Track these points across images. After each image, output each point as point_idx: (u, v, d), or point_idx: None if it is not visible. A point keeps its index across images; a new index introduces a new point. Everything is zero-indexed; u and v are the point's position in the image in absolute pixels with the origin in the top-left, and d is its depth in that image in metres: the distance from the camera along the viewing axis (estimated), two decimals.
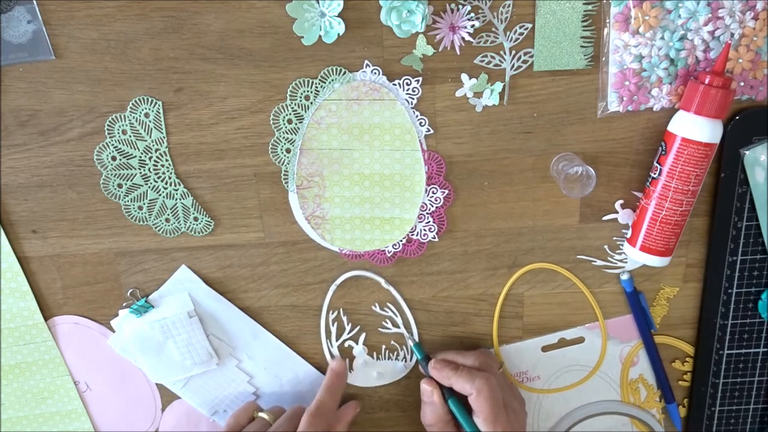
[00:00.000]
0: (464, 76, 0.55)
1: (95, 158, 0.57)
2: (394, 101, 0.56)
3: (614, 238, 0.61)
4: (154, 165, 0.58)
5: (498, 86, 0.55)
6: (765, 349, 0.63)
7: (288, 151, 0.57)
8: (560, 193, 0.58)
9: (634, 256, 0.58)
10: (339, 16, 0.52)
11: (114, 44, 0.54)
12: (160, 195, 0.59)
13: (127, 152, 0.57)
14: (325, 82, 0.55)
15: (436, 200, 0.59)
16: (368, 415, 0.69)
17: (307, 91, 0.55)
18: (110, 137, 0.57)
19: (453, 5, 0.52)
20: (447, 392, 0.59)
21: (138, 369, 0.65)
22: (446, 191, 0.59)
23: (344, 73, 0.55)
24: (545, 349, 0.65)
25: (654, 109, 0.55)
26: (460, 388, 0.58)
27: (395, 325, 0.64)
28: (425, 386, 0.60)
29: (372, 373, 0.66)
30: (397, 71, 0.55)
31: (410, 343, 0.63)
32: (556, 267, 0.62)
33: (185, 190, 0.59)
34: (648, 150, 0.57)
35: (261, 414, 0.61)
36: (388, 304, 0.64)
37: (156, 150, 0.57)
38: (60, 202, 0.59)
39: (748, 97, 0.55)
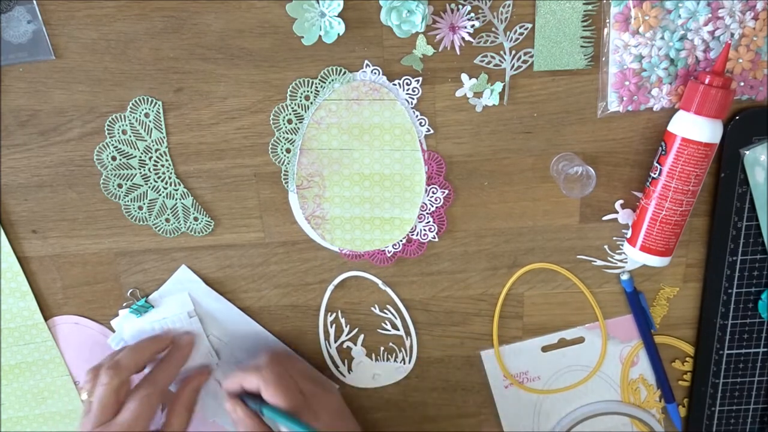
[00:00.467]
0: (464, 76, 0.55)
1: (95, 158, 0.57)
2: (394, 101, 0.56)
3: (614, 238, 0.61)
4: (154, 165, 0.58)
5: (498, 86, 0.55)
6: (765, 349, 0.63)
7: (288, 151, 0.57)
8: (560, 193, 0.58)
9: (634, 256, 0.58)
10: (339, 16, 0.52)
11: (114, 44, 0.54)
12: (160, 195, 0.59)
13: (127, 152, 0.57)
14: (325, 82, 0.55)
15: (436, 200, 0.59)
16: (368, 415, 0.69)
17: (307, 91, 0.55)
18: (110, 137, 0.57)
19: (453, 5, 0.52)
20: (258, 403, 0.56)
21: None
22: (446, 191, 0.59)
23: (344, 73, 0.55)
24: (545, 349, 0.65)
25: (654, 109, 0.55)
26: (249, 385, 0.56)
27: (394, 327, 0.64)
28: (226, 406, 0.58)
29: (370, 374, 0.66)
30: (397, 71, 0.55)
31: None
32: (556, 267, 0.62)
33: (185, 190, 0.59)
34: (648, 150, 0.57)
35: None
36: (388, 306, 0.64)
37: (156, 150, 0.57)
38: (60, 202, 0.59)
39: (748, 97, 0.55)
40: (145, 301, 0.62)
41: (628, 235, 0.59)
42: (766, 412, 0.66)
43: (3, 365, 0.65)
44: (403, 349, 0.65)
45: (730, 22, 0.52)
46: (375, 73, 0.55)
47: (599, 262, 0.62)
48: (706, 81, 0.52)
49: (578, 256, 0.62)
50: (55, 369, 0.65)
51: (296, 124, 0.57)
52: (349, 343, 0.65)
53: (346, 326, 0.64)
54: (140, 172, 0.58)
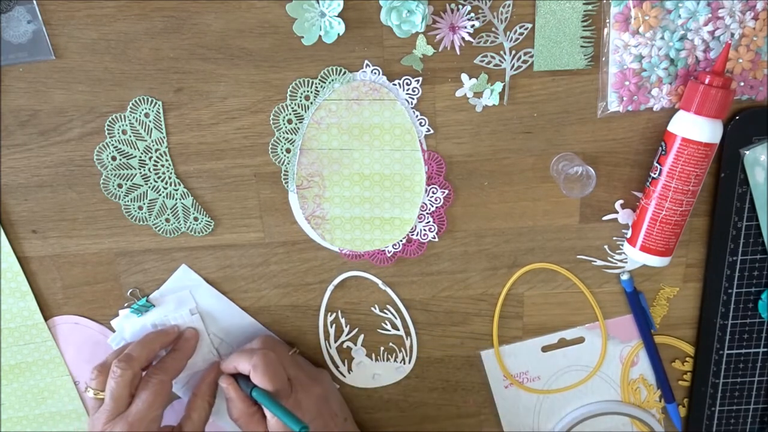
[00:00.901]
0: (464, 76, 0.55)
1: (95, 158, 0.57)
2: (394, 101, 0.56)
3: (614, 238, 0.61)
4: (154, 165, 0.58)
5: (498, 86, 0.55)
6: (765, 349, 0.63)
7: (288, 151, 0.57)
8: (560, 193, 0.58)
9: (634, 256, 0.58)
10: (339, 16, 0.52)
11: (114, 44, 0.54)
12: (160, 195, 0.59)
13: (127, 152, 0.57)
14: (325, 82, 0.55)
15: (436, 200, 0.59)
16: (368, 415, 0.69)
17: (307, 91, 0.55)
18: (110, 137, 0.57)
19: (453, 5, 0.52)
20: (247, 384, 0.58)
21: None
22: (446, 191, 0.59)
23: (344, 73, 0.55)
24: (545, 349, 0.65)
25: (654, 109, 0.55)
26: (242, 368, 0.58)
27: (394, 327, 0.64)
28: (221, 383, 0.59)
29: (370, 374, 0.66)
30: (397, 71, 0.55)
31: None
32: (556, 267, 0.62)
33: (185, 190, 0.59)
34: (648, 150, 0.57)
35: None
36: (388, 306, 0.64)
37: (156, 150, 0.57)
38: (60, 202, 0.59)
39: (748, 97, 0.55)
40: (146, 301, 0.62)
41: (628, 235, 0.59)
42: (766, 412, 0.66)
43: (3, 365, 0.65)
44: (403, 349, 0.65)
45: (730, 22, 0.52)
46: (375, 73, 0.55)
47: (599, 262, 0.62)
48: (706, 81, 0.52)
49: (578, 256, 0.62)
50: (55, 369, 0.65)
51: (296, 124, 0.57)
52: (349, 343, 0.65)
53: (346, 326, 0.64)
54: (140, 172, 0.58)
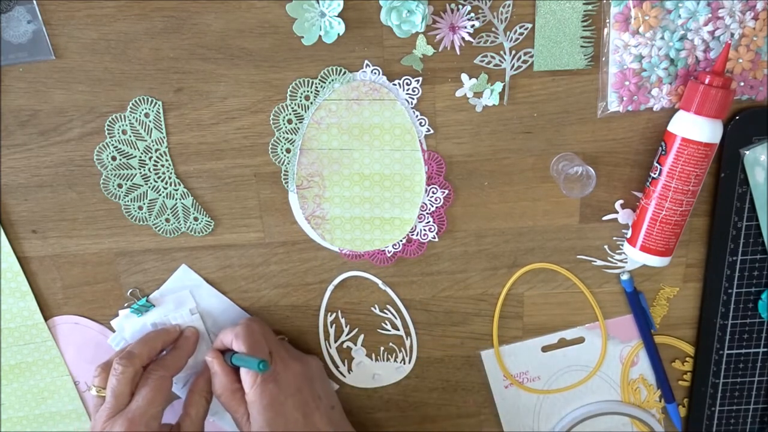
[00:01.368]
0: (464, 76, 0.55)
1: (95, 158, 0.57)
2: (394, 101, 0.56)
3: (614, 238, 0.61)
4: (154, 165, 0.58)
5: (498, 86, 0.55)
6: (765, 349, 0.63)
7: (288, 151, 0.57)
8: (560, 193, 0.58)
9: (634, 256, 0.58)
10: (339, 16, 0.52)
11: (114, 44, 0.54)
12: (160, 195, 0.59)
13: (127, 152, 0.57)
14: (325, 82, 0.55)
15: (436, 200, 0.59)
16: (368, 415, 0.69)
17: (307, 91, 0.55)
18: (110, 137, 0.57)
19: (453, 5, 0.52)
20: (229, 356, 0.58)
21: None
22: (446, 191, 0.59)
23: (344, 73, 0.55)
24: (545, 349, 0.65)
25: (654, 109, 0.55)
26: (226, 340, 0.58)
27: (394, 327, 0.64)
28: (207, 357, 0.59)
29: (370, 374, 0.66)
30: (397, 71, 0.55)
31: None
32: (556, 267, 0.62)
33: (185, 190, 0.59)
34: (648, 150, 0.57)
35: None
36: (388, 306, 0.64)
37: (156, 150, 0.57)
38: (60, 202, 0.59)
39: (748, 97, 0.55)
40: (146, 301, 0.62)
41: (628, 235, 0.59)
42: (766, 412, 0.66)
43: (3, 365, 0.65)
44: (403, 349, 0.65)
45: (730, 22, 0.52)
46: (375, 73, 0.55)
47: (599, 262, 0.62)
48: (706, 81, 0.52)
49: (578, 256, 0.62)
50: (55, 369, 0.65)
51: (296, 124, 0.57)
52: (349, 343, 0.65)
53: (346, 326, 0.64)
54: (140, 172, 0.58)
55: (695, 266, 0.62)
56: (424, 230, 0.60)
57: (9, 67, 0.54)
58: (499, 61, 0.54)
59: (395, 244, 0.60)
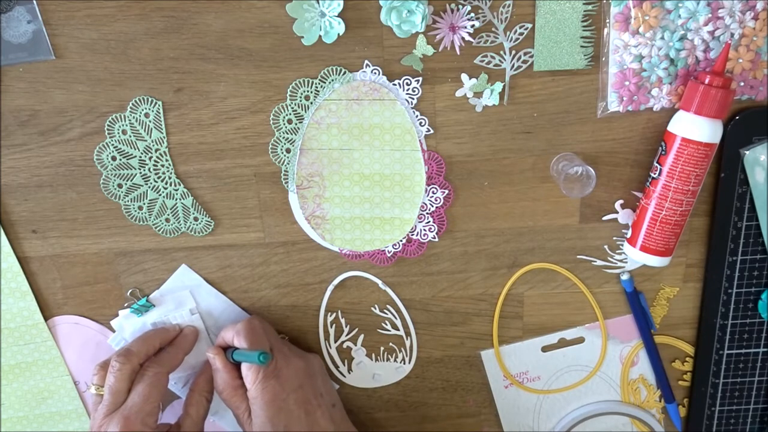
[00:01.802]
0: (464, 76, 0.55)
1: (95, 158, 0.57)
2: (394, 101, 0.56)
3: (614, 238, 0.61)
4: (154, 165, 0.58)
5: (498, 86, 0.55)
6: (765, 349, 0.63)
7: (288, 151, 0.57)
8: (560, 193, 0.58)
9: (634, 256, 0.58)
10: (339, 16, 0.52)
11: (114, 44, 0.54)
12: (160, 195, 0.59)
13: (127, 152, 0.57)
14: (325, 82, 0.55)
15: (436, 200, 0.59)
16: (368, 415, 0.69)
17: (307, 91, 0.55)
18: (110, 137, 0.57)
19: (453, 5, 0.52)
20: (231, 353, 0.58)
21: None
22: (446, 191, 0.59)
23: (344, 73, 0.55)
24: (545, 349, 0.65)
25: (654, 109, 0.55)
26: (228, 337, 0.58)
27: (394, 327, 0.64)
28: (209, 354, 0.59)
29: (370, 374, 0.66)
30: (397, 71, 0.55)
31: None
32: (556, 267, 0.62)
33: (185, 190, 0.59)
34: (648, 150, 0.57)
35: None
36: (388, 306, 0.64)
37: (156, 150, 0.57)
38: (60, 202, 0.59)
39: (748, 97, 0.55)
40: (146, 301, 0.62)
41: (628, 235, 0.59)
42: (766, 412, 0.66)
43: (3, 365, 0.65)
44: (403, 349, 0.65)
45: (730, 22, 0.52)
46: (375, 73, 0.55)
47: (599, 262, 0.62)
48: (706, 81, 0.52)
49: (578, 256, 0.62)
50: (55, 369, 0.65)
51: (296, 124, 0.57)
52: (349, 343, 0.65)
53: (346, 326, 0.64)
54: (140, 172, 0.58)
55: (695, 266, 0.62)
56: (424, 230, 0.60)
57: (9, 67, 0.54)
58: (499, 61, 0.54)
59: (395, 244, 0.60)
